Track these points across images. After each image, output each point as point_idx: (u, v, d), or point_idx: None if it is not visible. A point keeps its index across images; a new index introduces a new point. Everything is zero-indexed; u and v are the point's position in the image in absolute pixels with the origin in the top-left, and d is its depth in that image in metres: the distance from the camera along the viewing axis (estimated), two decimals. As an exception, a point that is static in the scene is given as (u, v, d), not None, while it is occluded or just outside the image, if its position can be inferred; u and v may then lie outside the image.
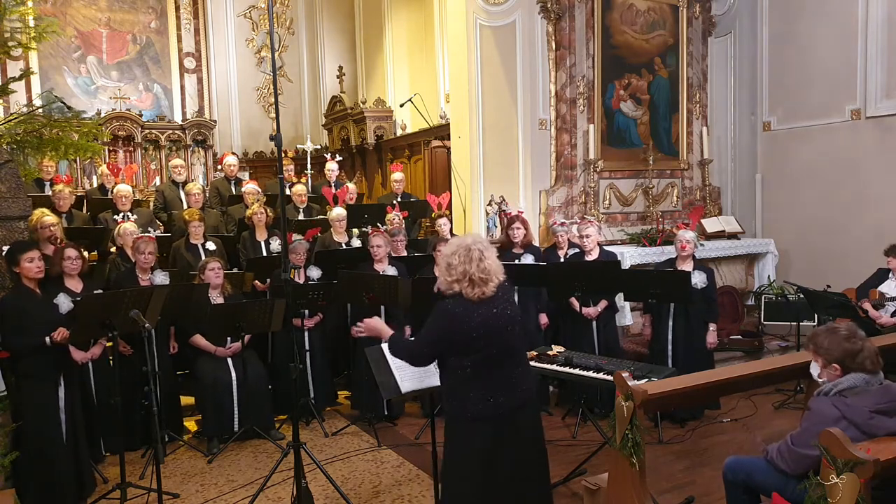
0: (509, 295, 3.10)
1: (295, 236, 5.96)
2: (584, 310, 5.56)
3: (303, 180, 8.26)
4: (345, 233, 6.63)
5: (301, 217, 7.26)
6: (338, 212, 6.69)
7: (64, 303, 4.29)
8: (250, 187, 7.44)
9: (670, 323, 5.42)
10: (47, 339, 4.01)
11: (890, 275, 5.52)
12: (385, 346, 3.42)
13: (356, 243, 6.60)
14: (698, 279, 5.30)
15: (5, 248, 4.30)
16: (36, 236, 4.94)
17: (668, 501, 4.05)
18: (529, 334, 5.66)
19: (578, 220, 6.27)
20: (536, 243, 6.42)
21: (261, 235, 6.48)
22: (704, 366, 5.13)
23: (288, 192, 7.61)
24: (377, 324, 3.37)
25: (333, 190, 7.56)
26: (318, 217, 7.22)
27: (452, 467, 3.07)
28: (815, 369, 3.10)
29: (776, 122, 8.10)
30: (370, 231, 6.03)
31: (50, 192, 6.84)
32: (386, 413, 5.61)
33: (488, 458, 2.96)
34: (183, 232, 6.62)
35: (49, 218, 5.13)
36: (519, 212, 6.33)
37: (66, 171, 10.42)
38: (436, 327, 2.97)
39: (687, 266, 5.45)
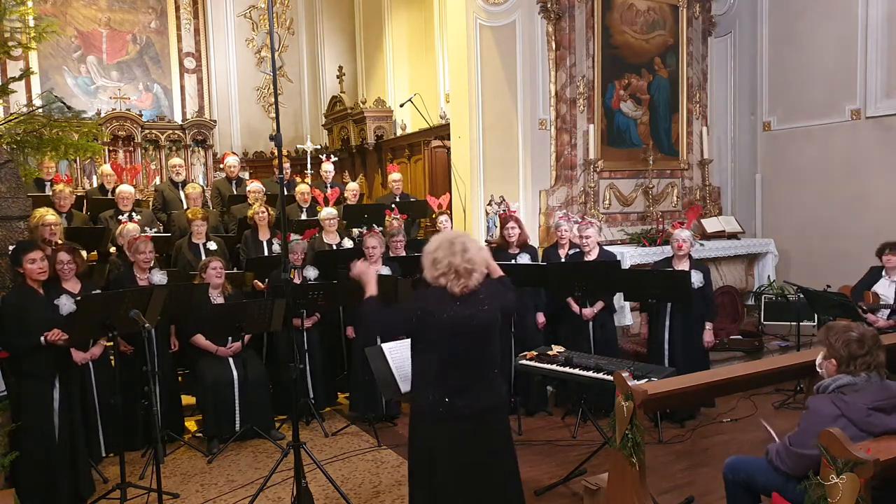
0: (496, 296, 3.03)
1: (293, 236, 5.96)
2: (581, 311, 5.56)
3: (306, 180, 8.26)
4: (336, 233, 6.62)
5: (304, 216, 7.26)
6: (328, 212, 6.69)
7: (66, 304, 4.28)
8: (255, 186, 7.42)
9: (667, 322, 5.42)
10: (41, 339, 4.00)
11: (883, 273, 5.54)
12: (385, 345, 3.42)
13: (347, 244, 6.59)
14: (695, 278, 5.30)
15: (11, 247, 4.30)
16: (35, 235, 4.93)
17: (668, 501, 4.05)
18: (529, 333, 5.67)
19: (579, 220, 6.26)
20: (533, 242, 6.42)
21: (263, 235, 6.47)
22: (701, 365, 5.15)
23: (290, 191, 7.62)
24: (371, 273, 3.22)
25: (329, 190, 7.56)
26: (318, 217, 7.22)
27: (409, 461, 3.09)
28: (818, 358, 3.14)
29: (776, 122, 8.10)
30: (364, 232, 6.04)
31: (50, 193, 6.83)
32: (385, 413, 5.60)
33: (441, 460, 2.93)
34: (183, 231, 6.62)
35: (51, 217, 5.13)
36: (512, 211, 6.34)
37: (66, 171, 10.42)
38: (410, 310, 2.99)
39: (684, 265, 5.45)
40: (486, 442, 2.98)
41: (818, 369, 3.13)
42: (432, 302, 2.92)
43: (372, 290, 3.13)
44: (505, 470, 3.07)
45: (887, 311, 5.35)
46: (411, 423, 3.08)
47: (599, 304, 5.62)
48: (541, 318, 5.76)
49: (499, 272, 3.19)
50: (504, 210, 6.69)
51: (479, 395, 2.95)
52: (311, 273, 5.85)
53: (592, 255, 5.62)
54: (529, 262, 5.72)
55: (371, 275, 3.19)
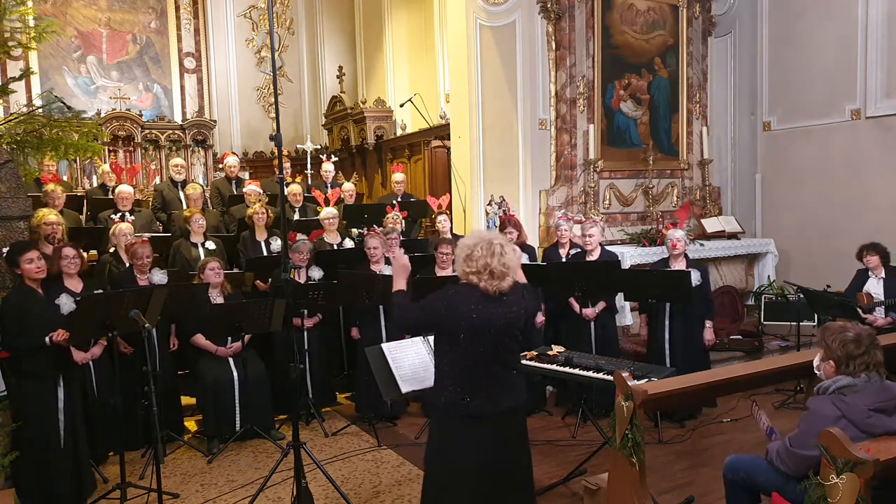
0: (522, 300, 3.06)
1: (299, 236, 5.95)
2: (583, 311, 5.56)
3: (298, 180, 8.25)
4: (336, 233, 6.62)
5: (297, 217, 7.25)
6: (328, 211, 6.68)
7: (66, 303, 4.27)
8: (251, 188, 7.42)
9: (667, 322, 5.42)
10: (47, 339, 4.00)
11: (870, 273, 5.59)
12: (385, 346, 3.42)
13: (348, 244, 6.58)
14: (693, 277, 5.30)
15: (5, 249, 4.29)
16: (36, 235, 4.93)
17: (668, 501, 4.05)
18: (530, 334, 5.67)
19: (582, 219, 6.26)
20: (533, 242, 6.41)
21: (260, 235, 6.48)
22: (701, 365, 5.15)
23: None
24: (397, 269, 3.24)
25: (330, 190, 7.54)
26: (316, 217, 7.21)
27: (426, 461, 3.09)
28: (816, 360, 3.14)
29: (776, 122, 8.10)
30: (366, 232, 6.03)
31: (41, 193, 6.77)
32: (389, 413, 5.58)
33: (457, 460, 2.92)
34: (182, 231, 6.62)
35: (53, 217, 5.12)
36: (511, 215, 6.33)
37: (66, 172, 10.43)
38: (432, 306, 2.98)
39: (680, 265, 5.46)
40: (504, 443, 2.97)
41: (816, 371, 3.12)
42: (460, 299, 2.92)
43: (399, 284, 3.18)
44: (522, 473, 3.07)
45: (884, 308, 5.40)
46: (431, 422, 3.08)
47: (601, 305, 5.62)
48: (539, 317, 5.76)
49: (523, 279, 3.19)
50: (504, 211, 6.70)
51: (499, 396, 2.94)
52: (316, 274, 5.84)
53: (595, 255, 5.62)
54: (528, 262, 5.71)
55: (397, 270, 3.22)
